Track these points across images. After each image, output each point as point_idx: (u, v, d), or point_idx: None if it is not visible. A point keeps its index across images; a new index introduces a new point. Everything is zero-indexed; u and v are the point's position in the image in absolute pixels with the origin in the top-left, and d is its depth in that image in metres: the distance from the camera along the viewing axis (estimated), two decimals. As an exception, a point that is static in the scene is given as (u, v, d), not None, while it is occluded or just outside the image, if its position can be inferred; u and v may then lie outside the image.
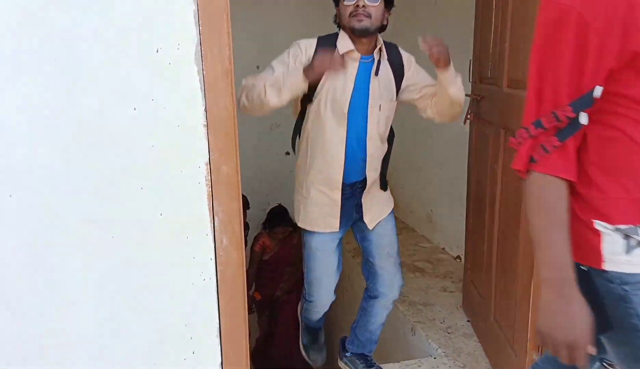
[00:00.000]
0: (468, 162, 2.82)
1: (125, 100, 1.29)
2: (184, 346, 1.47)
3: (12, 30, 1.20)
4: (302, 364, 3.24)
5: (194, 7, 1.30)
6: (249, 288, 3.69)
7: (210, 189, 1.40)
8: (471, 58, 2.68)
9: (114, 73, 1.27)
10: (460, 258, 3.62)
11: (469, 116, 2.67)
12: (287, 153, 4.12)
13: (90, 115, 1.28)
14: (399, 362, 2.53)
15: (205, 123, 1.36)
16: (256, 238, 4.08)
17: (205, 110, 1.35)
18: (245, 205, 3.42)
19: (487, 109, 2.48)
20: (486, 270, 2.49)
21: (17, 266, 1.30)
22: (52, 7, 1.21)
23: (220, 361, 1.51)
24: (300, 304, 2.55)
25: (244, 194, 2.00)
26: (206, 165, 1.38)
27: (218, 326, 1.48)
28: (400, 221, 4.51)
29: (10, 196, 1.26)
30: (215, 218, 1.42)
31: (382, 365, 2.57)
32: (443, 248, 3.88)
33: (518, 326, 2.08)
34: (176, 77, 1.32)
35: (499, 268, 2.34)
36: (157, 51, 1.29)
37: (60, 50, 1.23)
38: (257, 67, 4.70)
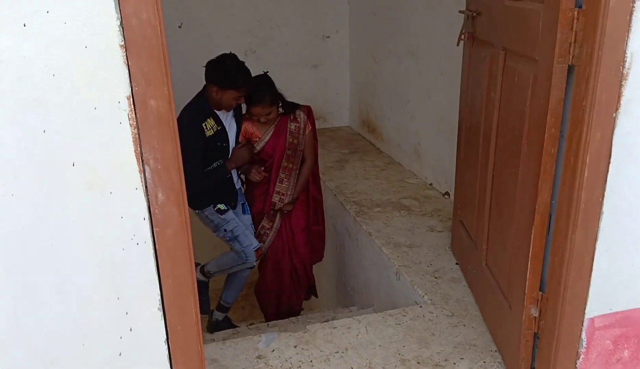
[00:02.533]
0: (460, 89, 2.51)
1: (12, 14, 0.95)
2: (118, 323, 1.21)
3: None
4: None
5: None
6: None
7: (137, 130, 1.09)
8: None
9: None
10: (449, 195, 3.38)
11: (462, 36, 2.33)
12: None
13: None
14: (382, 312, 2.33)
15: (123, 42, 1.03)
16: None
17: (122, 26, 1.02)
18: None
19: (484, 27, 2.14)
20: (478, 209, 2.24)
21: None
22: None
23: (165, 336, 1.26)
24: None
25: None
26: (128, 99, 1.07)
27: (160, 297, 1.22)
28: (386, 155, 4.23)
29: None
30: (146, 167, 1.12)
31: (364, 314, 2.38)
32: (431, 184, 3.62)
33: (514, 275, 1.85)
34: (76, -22, 0.97)
35: (494, 208, 2.09)
36: (46, -58, 0.94)
37: None
38: (179, 26, 4.23)
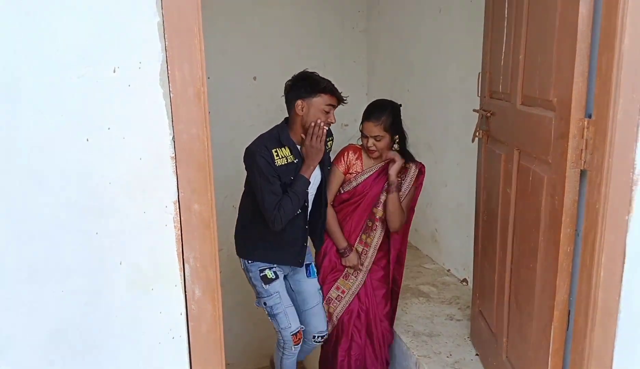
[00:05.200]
0: (477, 182, 2.61)
1: (75, 130, 1.08)
2: (151, 415, 1.25)
3: None
4: None
5: (158, 18, 1.09)
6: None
7: (180, 232, 1.19)
8: (479, 71, 2.47)
9: (61, 98, 1.06)
10: (467, 282, 3.40)
11: (478, 133, 2.45)
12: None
13: (34, 149, 1.07)
14: (402, 404, 2.31)
15: (174, 155, 1.15)
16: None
17: (173, 140, 1.14)
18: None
19: (498, 127, 2.26)
20: (497, 302, 2.27)
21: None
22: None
23: (194, 430, 1.29)
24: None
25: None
26: (174, 204, 1.17)
27: (191, 390, 1.27)
28: (403, 239, 4.28)
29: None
30: (186, 265, 1.20)
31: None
32: (448, 270, 3.65)
33: (535, 371, 1.86)
34: (137, 101, 1.11)
35: (513, 302, 2.12)
36: (114, 71, 1.08)
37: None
38: (254, 78, 4.58)
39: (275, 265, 2.44)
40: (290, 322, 2.45)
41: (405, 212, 2.65)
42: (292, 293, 2.55)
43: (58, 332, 1.15)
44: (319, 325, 2.57)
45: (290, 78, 2.37)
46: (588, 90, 1.55)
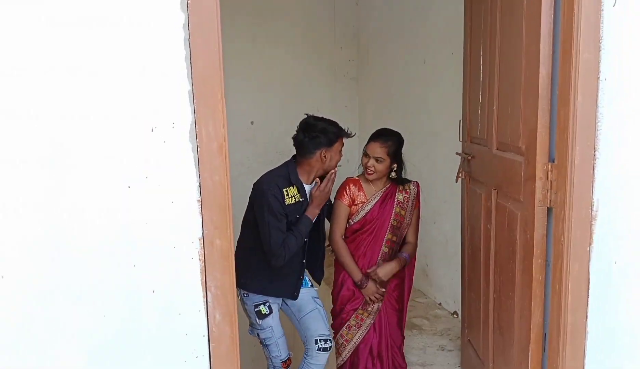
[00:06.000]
0: (462, 219, 2.83)
1: (119, 179, 1.30)
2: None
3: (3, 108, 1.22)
4: None
5: (189, 87, 1.33)
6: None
7: (204, 264, 1.40)
8: (461, 118, 2.73)
9: (109, 152, 1.29)
10: (457, 314, 3.59)
11: (460, 174, 2.69)
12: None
13: (83, 193, 1.29)
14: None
15: (199, 198, 1.37)
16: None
17: (199, 186, 1.37)
18: None
19: (478, 168, 2.50)
20: (483, 330, 2.46)
21: (7, 344, 1.28)
22: (49, 82, 1.23)
23: None
24: None
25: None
26: (199, 240, 1.38)
27: (212, 404, 1.45)
28: (396, 275, 4.47)
29: (2, 277, 1.25)
30: (208, 293, 1.41)
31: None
32: (440, 304, 3.84)
33: (518, 391, 2.04)
34: (171, 154, 1.34)
35: (496, 329, 2.31)
36: (153, 130, 1.32)
37: (56, 130, 1.25)
38: (252, 123, 4.85)
39: (269, 300, 2.50)
40: (280, 351, 2.56)
41: (415, 241, 2.82)
42: (287, 308, 2.62)
43: (99, 349, 1.34)
44: (319, 328, 2.57)
45: (301, 130, 2.45)
46: (550, 139, 1.79)
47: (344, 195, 2.67)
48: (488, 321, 2.38)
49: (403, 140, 2.70)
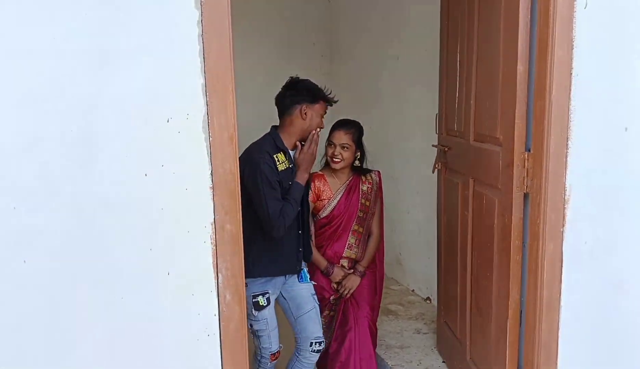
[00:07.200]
0: (437, 208, 2.97)
1: (137, 167, 1.37)
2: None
3: (35, 99, 1.27)
4: None
5: (202, 80, 1.40)
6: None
7: (215, 247, 1.48)
8: (436, 112, 2.86)
9: (128, 141, 1.35)
10: (430, 300, 3.75)
11: (437, 165, 2.83)
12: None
13: (104, 180, 1.35)
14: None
15: (212, 185, 1.45)
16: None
17: (211, 174, 1.45)
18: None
19: (455, 159, 2.65)
20: (461, 312, 2.61)
21: (31, 326, 1.33)
22: (77, 76, 1.29)
23: (224, 414, 1.55)
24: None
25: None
26: (211, 224, 1.47)
27: (222, 379, 1.54)
28: (370, 264, 4.62)
29: (25, 261, 1.30)
30: (219, 274, 1.49)
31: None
32: (413, 290, 4.00)
33: (495, 364, 2.19)
34: (185, 144, 1.41)
35: (474, 309, 2.47)
36: (168, 121, 1.39)
37: (81, 119, 1.31)
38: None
39: (268, 291, 2.44)
40: (271, 343, 2.52)
41: (379, 232, 2.88)
42: (285, 302, 2.57)
43: (119, 331, 1.41)
44: (316, 330, 2.55)
45: (284, 87, 2.43)
46: (527, 129, 1.95)
47: (309, 191, 2.66)
48: (465, 302, 2.54)
49: (363, 128, 2.76)
